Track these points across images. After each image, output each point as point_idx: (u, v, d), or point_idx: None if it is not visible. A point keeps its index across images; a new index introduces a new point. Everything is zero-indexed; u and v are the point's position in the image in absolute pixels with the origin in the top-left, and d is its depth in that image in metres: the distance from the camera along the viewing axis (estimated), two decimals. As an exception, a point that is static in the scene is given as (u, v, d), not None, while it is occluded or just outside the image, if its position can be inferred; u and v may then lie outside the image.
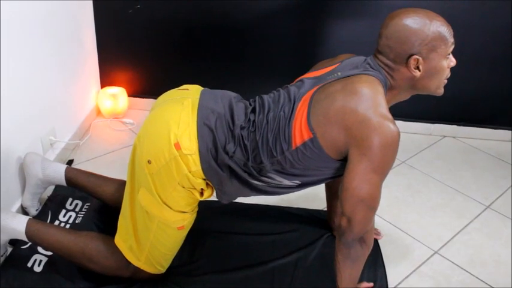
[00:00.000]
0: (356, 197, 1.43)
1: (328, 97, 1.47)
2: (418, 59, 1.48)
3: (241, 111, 1.60)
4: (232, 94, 1.69)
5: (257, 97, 1.66)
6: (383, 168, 1.42)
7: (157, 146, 1.53)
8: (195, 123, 1.53)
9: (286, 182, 1.59)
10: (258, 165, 1.54)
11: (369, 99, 1.43)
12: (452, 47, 1.52)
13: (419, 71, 1.50)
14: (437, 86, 1.57)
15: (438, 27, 1.48)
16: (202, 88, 1.69)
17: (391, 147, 1.40)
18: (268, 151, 1.52)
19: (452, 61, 1.54)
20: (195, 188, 1.57)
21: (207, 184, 1.59)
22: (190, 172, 1.52)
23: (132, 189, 1.64)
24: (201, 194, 1.60)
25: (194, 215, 1.69)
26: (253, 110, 1.61)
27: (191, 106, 1.57)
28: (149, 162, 1.53)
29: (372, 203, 1.45)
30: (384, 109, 1.43)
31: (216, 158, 1.53)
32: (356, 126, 1.40)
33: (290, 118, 1.51)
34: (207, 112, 1.56)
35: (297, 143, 1.48)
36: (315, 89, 1.54)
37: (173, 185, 1.54)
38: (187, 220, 1.64)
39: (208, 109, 1.57)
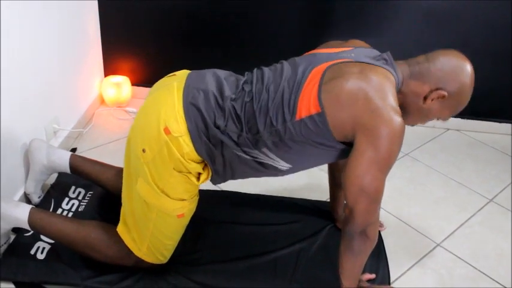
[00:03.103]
0: (358, 185, 1.41)
1: (342, 77, 1.44)
2: (444, 95, 1.51)
3: (232, 84, 1.58)
4: (221, 71, 1.66)
5: (255, 69, 1.64)
6: (388, 160, 1.41)
7: (149, 133, 1.53)
8: (181, 104, 1.52)
9: (280, 162, 1.56)
10: (254, 135, 1.51)
11: (383, 90, 1.42)
12: (456, 113, 1.60)
13: (430, 101, 1.53)
14: (417, 121, 1.63)
15: (470, 92, 1.56)
16: (189, 71, 1.67)
17: (398, 140, 1.40)
18: (267, 120, 1.49)
19: (445, 118, 1.61)
20: (190, 173, 1.56)
21: (204, 167, 1.58)
22: (183, 156, 1.51)
23: (130, 180, 1.64)
24: (198, 178, 1.59)
25: (194, 203, 1.68)
26: (249, 81, 1.58)
27: (176, 89, 1.56)
28: (144, 151, 1.54)
29: (374, 195, 1.44)
30: (395, 103, 1.42)
31: (207, 135, 1.51)
32: (367, 114, 1.39)
33: (298, 89, 1.48)
34: (193, 91, 1.54)
35: (302, 114, 1.45)
36: (328, 64, 1.51)
37: (169, 171, 1.53)
38: (186, 208, 1.63)
39: (194, 88, 1.55)
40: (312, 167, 1.65)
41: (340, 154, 1.54)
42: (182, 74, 1.63)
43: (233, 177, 1.67)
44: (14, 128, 1.95)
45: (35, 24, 2.05)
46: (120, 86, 2.82)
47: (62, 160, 2.00)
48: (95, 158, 2.11)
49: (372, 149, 1.39)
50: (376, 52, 1.59)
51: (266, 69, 1.62)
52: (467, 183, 2.52)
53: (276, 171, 1.62)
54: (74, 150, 2.43)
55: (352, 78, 1.43)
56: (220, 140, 1.52)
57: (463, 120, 3.00)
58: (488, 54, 2.78)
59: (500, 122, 2.99)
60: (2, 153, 1.86)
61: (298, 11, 2.70)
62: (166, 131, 1.50)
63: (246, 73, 1.64)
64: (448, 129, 3.01)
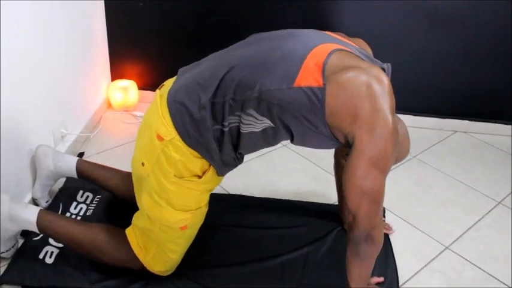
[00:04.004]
0: (359, 188, 1.39)
1: (353, 67, 1.40)
2: None
3: (215, 60, 1.56)
4: (207, 57, 1.65)
5: (252, 35, 1.64)
6: (388, 160, 1.39)
7: (145, 147, 1.56)
8: (165, 107, 1.52)
9: (266, 122, 1.49)
10: (242, 94, 1.45)
11: (390, 94, 1.40)
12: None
13: None
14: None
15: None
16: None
17: (395, 140, 1.39)
18: (260, 82, 1.43)
19: None
20: (194, 174, 1.55)
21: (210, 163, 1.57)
22: (185, 155, 1.51)
23: (139, 194, 1.67)
24: (201, 176, 1.57)
25: (199, 216, 1.67)
26: (239, 47, 1.57)
27: (159, 97, 1.56)
28: (143, 164, 1.56)
29: (375, 196, 1.42)
30: (394, 109, 1.41)
31: (195, 127, 1.49)
32: (371, 112, 1.36)
33: (302, 58, 1.43)
34: (174, 92, 1.53)
35: (302, 84, 1.40)
36: (335, 46, 1.47)
37: (169, 180, 1.53)
38: (189, 220, 1.62)
39: (175, 88, 1.54)
40: (282, 140, 1.58)
41: (318, 140, 1.50)
42: (170, 82, 1.63)
43: (236, 160, 1.62)
44: (22, 133, 1.96)
45: (42, 28, 2.06)
46: (127, 90, 2.83)
47: (69, 166, 2.01)
48: (102, 162, 2.11)
49: (373, 148, 1.37)
50: (376, 60, 1.58)
51: (262, 35, 1.60)
52: (475, 186, 2.51)
53: (262, 138, 1.55)
54: (81, 154, 2.44)
55: (362, 72, 1.40)
56: (207, 124, 1.48)
57: (470, 122, 2.99)
58: (495, 56, 2.78)
59: (507, 124, 2.98)
60: (10, 157, 1.87)
61: (301, 13, 2.70)
62: (159, 138, 1.51)
63: (236, 43, 1.62)
64: (456, 132, 3.00)
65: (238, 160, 1.64)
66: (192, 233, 1.70)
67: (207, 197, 1.66)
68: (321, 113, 1.40)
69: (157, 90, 1.62)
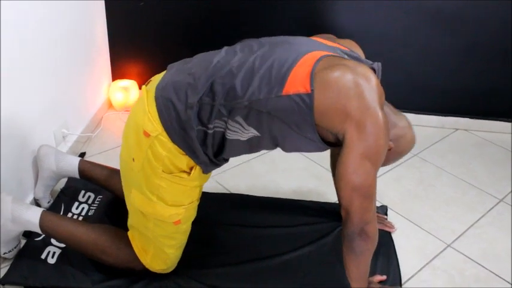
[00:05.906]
0: (351, 183, 1.40)
1: (339, 68, 1.42)
2: (391, 148, 1.53)
3: (206, 62, 1.56)
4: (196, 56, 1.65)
5: (242, 41, 1.63)
6: (380, 155, 1.41)
7: (133, 144, 1.55)
8: (152, 102, 1.51)
9: (252, 131, 1.50)
10: (231, 102, 1.46)
11: (378, 91, 1.42)
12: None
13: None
14: None
15: (397, 160, 1.69)
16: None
17: (387, 135, 1.41)
18: (249, 90, 1.44)
19: None
20: (183, 171, 1.55)
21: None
22: (170, 151, 1.50)
23: (127, 193, 1.66)
24: (189, 173, 1.57)
25: (191, 211, 1.67)
26: (230, 53, 1.56)
27: (146, 92, 1.56)
28: (133, 160, 1.56)
29: (367, 191, 1.42)
30: (382, 105, 1.42)
31: (180, 123, 1.48)
32: (360, 110, 1.37)
33: (290, 67, 1.44)
34: (162, 87, 1.53)
35: (290, 91, 1.42)
36: (323, 53, 1.48)
37: (158, 175, 1.53)
38: (182, 215, 1.62)
39: (163, 84, 1.54)
40: (264, 149, 1.60)
41: (306, 144, 1.51)
42: (157, 77, 1.62)
43: (217, 162, 1.62)
44: (23, 133, 1.96)
45: (43, 28, 2.06)
46: (128, 90, 2.83)
47: (71, 166, 2.01)
48: (104, 161, 2.11)
49: (364, 145, 1.38)
50: (368, 60, 1.58)
51: (252, 42, 1.59)
52: (477, 184, 2.51)
53: (245, 146, 1.56)
54: (83, 154, 2.44)
55: (349, 70, 1.41)
56: (192, 124, 1.48)
57: (471, 119, 2.99)
58: (496, 54, 2.77)
59: (508, 122, 2.98)
60: (11, 158, 1.87)
61: (303, 12, 2.70)
62: (146, 134, 1.50)
63: (226, 47, 1.61)
64: (457, 129, 3.00)
65: (224, 160, 1.65)
66: (187, 227, 1.70)
67: (198, 192, 1.66)
68: (310, 116, 1.42)
69: (144, 86, 1.61)
